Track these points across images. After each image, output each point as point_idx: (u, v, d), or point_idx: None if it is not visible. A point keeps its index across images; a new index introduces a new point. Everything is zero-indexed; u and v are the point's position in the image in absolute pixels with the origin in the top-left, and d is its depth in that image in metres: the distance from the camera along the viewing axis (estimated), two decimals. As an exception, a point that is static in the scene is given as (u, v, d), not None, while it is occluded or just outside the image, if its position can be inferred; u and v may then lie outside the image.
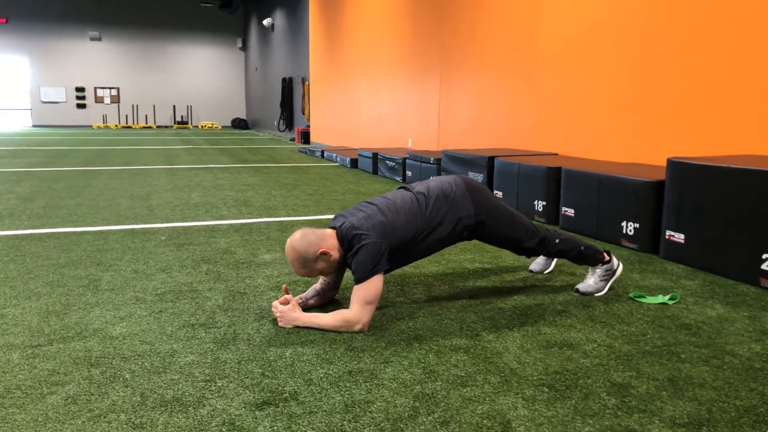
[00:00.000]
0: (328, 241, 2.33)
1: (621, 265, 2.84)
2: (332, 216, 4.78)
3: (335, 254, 2.33)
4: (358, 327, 2.25)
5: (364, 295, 2.25)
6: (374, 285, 2.26)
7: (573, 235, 2.87)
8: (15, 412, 1.66)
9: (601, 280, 2.78)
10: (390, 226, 2.33)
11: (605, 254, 2.80)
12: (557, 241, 2.69)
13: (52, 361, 1.99)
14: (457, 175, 2.61)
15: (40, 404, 1.71)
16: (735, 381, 1.89)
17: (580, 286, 2.79)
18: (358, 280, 2.26)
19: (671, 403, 1.74)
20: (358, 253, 2.26)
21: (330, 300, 2.60)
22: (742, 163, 3.12)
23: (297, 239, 2.30)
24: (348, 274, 3.01)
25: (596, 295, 2.76)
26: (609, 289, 2.81)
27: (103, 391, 1.79)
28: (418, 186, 2.55)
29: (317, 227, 2.46)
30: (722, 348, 2.16)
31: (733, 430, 1.59)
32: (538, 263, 3.15)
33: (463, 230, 2.50)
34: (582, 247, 2.74)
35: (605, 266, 2.79)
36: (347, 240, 2.32)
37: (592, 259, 2.77)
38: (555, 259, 3.17)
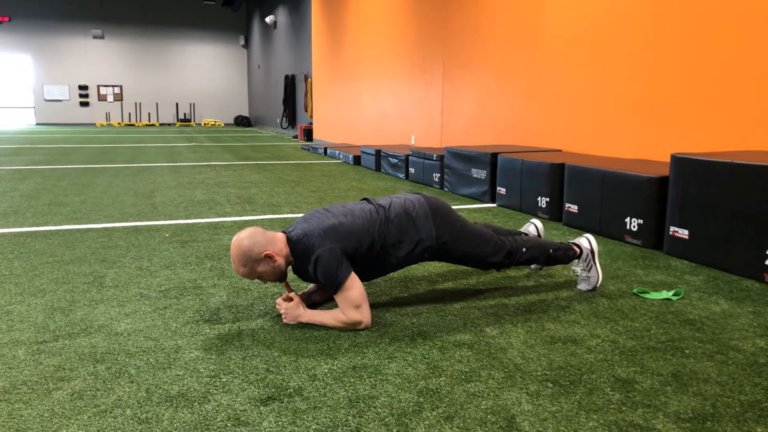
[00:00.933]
0: (276, 245, 2.26)
1: (592, 238, 2.77)
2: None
3: (280, 260, 2.26)
4: (361, 326, 2.25)
5: (349, 302, 2.21)
6: (352, 288, 2.21)
7: (537, 237, 2.80)
8: (21, 408, 1.67)
9: (588, 271, 2.75)
10: (341, 228, 2.26)
11: (575, 248, 2.75)
12: (524, 249, 2.62)
13: (57, 357, 2.00)
14: (421, 194, 2.53)
15: (46, 400, 1.71)
16: (739, 376, 1.89)
17: (580, 287, 2.78)
18: (334, 291, 2.22)
19: (675, 398, 1.74)
20: (316, 266, 2.20)
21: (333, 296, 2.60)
22: (746, 158, 3.11)
23: (245, 236, 2.23)
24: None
25: (599, 284, 2.75)
26: (600, 272, 2.76)
27: (109, 386, 1.80)
28: (381, 200, 2.48)
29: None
30: (726, 343, 2.16)
31: (738, 425, 1.59)
32: None
33: (423, 252, 2.43)
34: (551, 249, 2.68)
35: (582, 257, 2.75)
36: (299, 247, 2.25)
37: (565, 257, 2.72)
38: None
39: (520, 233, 3.00)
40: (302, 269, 2.31)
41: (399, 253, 2.39)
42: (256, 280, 2.92)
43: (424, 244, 2.41)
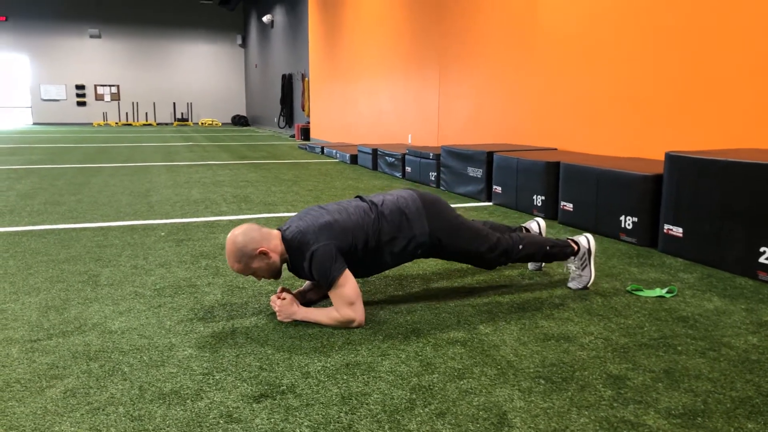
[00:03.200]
0: (271, 242, 2.26)
1: (591, 238, 2.77)
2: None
3: (275, 257, 2.26)
4: (354, 324, 2.26)
5: (342, 299, 2.22)
6: (346, 285, 2.22)
7: (535, 234, 2.80)
8: (14, 406, 1.67)
9: (582, 270, 2.75)
10: (336, 225, 2.27)
11: (573, 244, 2.74)
12: (521, 247, 2.61)
13: (51, 355, 2.00)
14: (414, 190, 2.53)
15: (40, 397, 1.72)
16: (731, 373, 1.89)
17: (571, 285, 2.78)
18: (328, 287, 2.23)
19: (667, 394, 1.75)
20: (312, 262, 2.21)
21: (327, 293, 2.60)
22: (740, 156, 3.12)
23: (240, 233, 2.23)
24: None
25: (590, 283, 2.75)
26: (594, 271, 2.76)
27: (102, 384, 1.80)
28: (374, 197, 2.49)
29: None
30: (719, 340, 2.16)
31: (729, 421, 1.60)
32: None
33: (417, 248, 2.43)
34: (548, 246, 2.68)
35: (578, 255, 2.75)
36: (294, 244, 2.26)
37: (561, 255, 2.72)
38: None
39: (520, 228, 3.01)
40: (297, 266, 2.31)
41: (393, 249, 2.39)
42: (250, 278, 2.92)
43: (417, 240, 2.41)
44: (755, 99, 3.93)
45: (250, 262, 2.24)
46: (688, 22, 4.39)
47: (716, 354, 2.04)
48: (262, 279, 2.46)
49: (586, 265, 2.75)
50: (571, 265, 2.78)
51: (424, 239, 2.43)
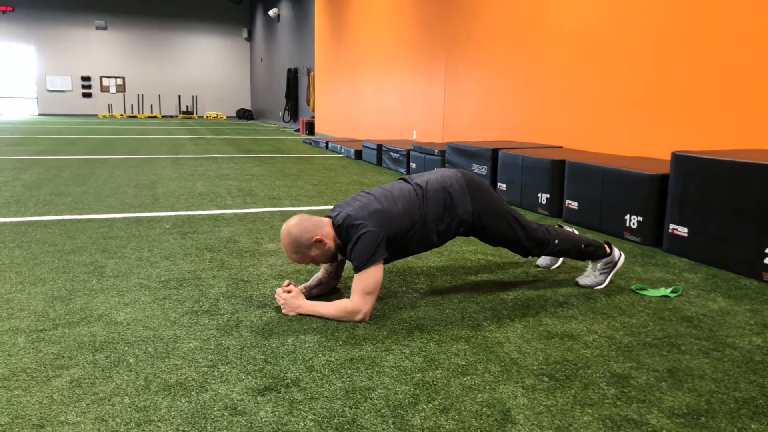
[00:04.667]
0: (324, 229, 2.33)
1: (623, 256, 2.82)
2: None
3: (330, 243, 2.33)
4: (359, 317, 2.26)
5: (363, 286, 2.25)
6: (373, 274, 2.26)
7: (573, 230, 2.82)
8: (20, 395, 1.68)
9: (601, 273, 2.77)
10: (386, 214, 2.32)
11: (607, 247, 2.78)
12: (557, 241, 2.64)
13: (57, 345, 2.01)
14: (458, 170, 2.57)
15: (46, 387, 1.73)
16: (735, 373, 1.89)
17: (580, 279, 2.79)
18: (357, 269, 2.27)
19: (670, 393, 1.75)
20: (357, 242, 2.26)
21: (332, 289, 2.62)
22: (746, 157, 3.11)
23: (293, 224, 2.30)
24: (349, 264, 3.02)
25: (596, 288, 2.76)
26: (609, 281, 2.81)
27: (108, 374, 1.81)
28: (417, 178, 2.52)
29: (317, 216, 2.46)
30: (723, 340, 2.16)
31: (732, 421, 1.60)
32: (544, 259, 3.13)
33: (459, 226, 2.47)
34: (582, 245, 2.70)
35: (605, 259, 2.78)
36: (344, 230, 2.32)
37: (594, 255, 2.75)
38: None
39: (555, 227, 3.03)
40: (346, 250, 2.37)
41: (439, 227, 2.44)
42: (254, 272, 2.93)
43: (461, 218, 2.45)
44: (763, 99, 3.91)
45: (307, 251, 2.31)
46: (695, 22, 4.37)
47: (720, 354, 2.04)
48: (320, 264, 2.49)
49: (606, 273, 2.78)
50: (599, 263, 2.78)
51: (468, 218, 2.46)
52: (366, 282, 2.25)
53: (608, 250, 2.78)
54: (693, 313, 2.45)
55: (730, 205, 3.06)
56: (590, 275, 2.79)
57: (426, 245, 2.48)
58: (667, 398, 1.72)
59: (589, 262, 2.84)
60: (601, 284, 2.76)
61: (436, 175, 2.53)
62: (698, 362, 1.97)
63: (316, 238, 2.29)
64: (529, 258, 3.28)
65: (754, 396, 1.74)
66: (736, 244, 3.04)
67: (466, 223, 2.47)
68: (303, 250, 2.30)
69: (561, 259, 3.13)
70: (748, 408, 1.67)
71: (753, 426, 1.57)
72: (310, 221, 2.32)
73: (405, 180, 2.53)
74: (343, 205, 2.40)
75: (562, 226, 3.02)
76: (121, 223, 4.01)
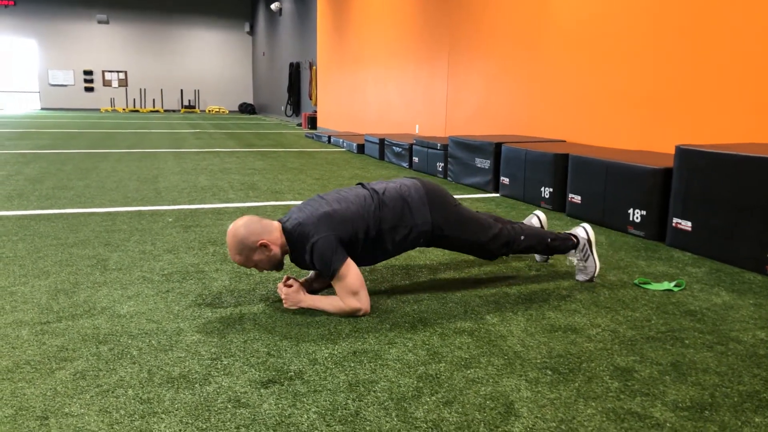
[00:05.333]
0: (273, 234, 2.26)
1: (588, 229, 2.74)
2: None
3: (276, 249, 2.26)
4: (360, 313, 2.26)
5: (346, 289, 2.22)
6: (348, 275, 2.21)
7: (536, 227, 2.78)
8: (24, 387, 1.68)
9: (585, 261, 2.74)
10: (335, 215, 2.25)
11: (573, 238, 2.73)
12: (522, 238, 2.61)
13: (60, 338, 2.02)
14: (418, 179, 2.51)
15: (49, 379, 1.73)
16: (738, 367, 1.89)
17: (578, 278, 2.78)
18: (330, 277, 2.23)
19: (674, 387, 1.75)
20: (313, 254, 2.21)
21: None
22: (751, 151, 3.10)
23: (241, 224, 2.23)
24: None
25: (596, 274, 2.74)
26: (598, 260, 2.75)
27: (111, 367, 1.81)
28: (376, 185, 2.47)
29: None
30: (727, 334, 2.16)
31: (736, 414, 1.60)
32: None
33: (419, 237, 2.42)
34: (549, 239, 2.67)
35: (578, 248, 2.73)
36: (294, 236, 2.25)
37: (563, 247, 2.71)
38: None
39: (520, 223, 3.00)
40: (299, 258, 2.31)
41: (395, 237, 2.38)
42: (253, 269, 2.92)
43: (419, 228, 2.40)
44: (766, 93, 3.89)
45: (251, 255, 2.24)
46: (698, 16, 4.35)
47: (724, 348, 2.04)
48: (264, 271, 2.46)
49: (588, 256, 2.74)
50: (574, 258, 2.77)
51: (426, 228, 2.41)
52: (345, 285, 2.21)
53: (575, 240, 2.73)
54: (696, 307, 2.44)
55: (734, 199, 3.05)
56: (580, 269, 2.77)
57: (382, 254, 2.42)
58: (671, 392, 1.72)
59: (570, 258, 2.79)
60: (594, 270, 2.73)
61: (395, 184, 2.47)
62: (702, 356, 1.97)
63: (261, 242, 2.21)
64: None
65: (757, 389, 1.74)
66: (740, 239, 3.03)
67: (426, 234, 2.42)
68: (246, 253, 2.23)
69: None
70: (752, 401, 1.67)
71: (757, 419, 1.57)
72: (260, 223, 2.25)
73: (363, 185, 2.48)
74: (296, 211, 2.34)
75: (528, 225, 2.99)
76: (124, 217, 4.02)
